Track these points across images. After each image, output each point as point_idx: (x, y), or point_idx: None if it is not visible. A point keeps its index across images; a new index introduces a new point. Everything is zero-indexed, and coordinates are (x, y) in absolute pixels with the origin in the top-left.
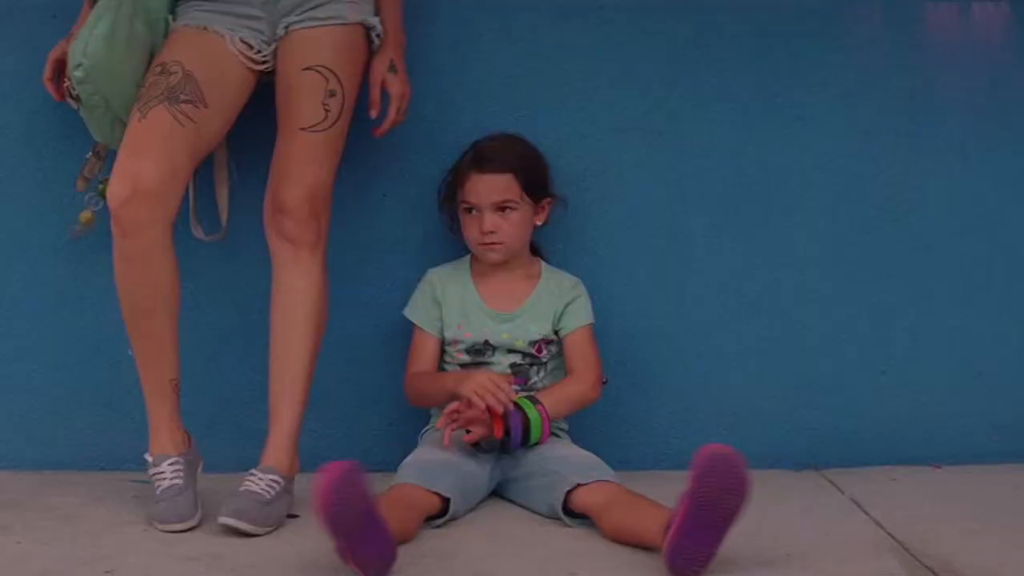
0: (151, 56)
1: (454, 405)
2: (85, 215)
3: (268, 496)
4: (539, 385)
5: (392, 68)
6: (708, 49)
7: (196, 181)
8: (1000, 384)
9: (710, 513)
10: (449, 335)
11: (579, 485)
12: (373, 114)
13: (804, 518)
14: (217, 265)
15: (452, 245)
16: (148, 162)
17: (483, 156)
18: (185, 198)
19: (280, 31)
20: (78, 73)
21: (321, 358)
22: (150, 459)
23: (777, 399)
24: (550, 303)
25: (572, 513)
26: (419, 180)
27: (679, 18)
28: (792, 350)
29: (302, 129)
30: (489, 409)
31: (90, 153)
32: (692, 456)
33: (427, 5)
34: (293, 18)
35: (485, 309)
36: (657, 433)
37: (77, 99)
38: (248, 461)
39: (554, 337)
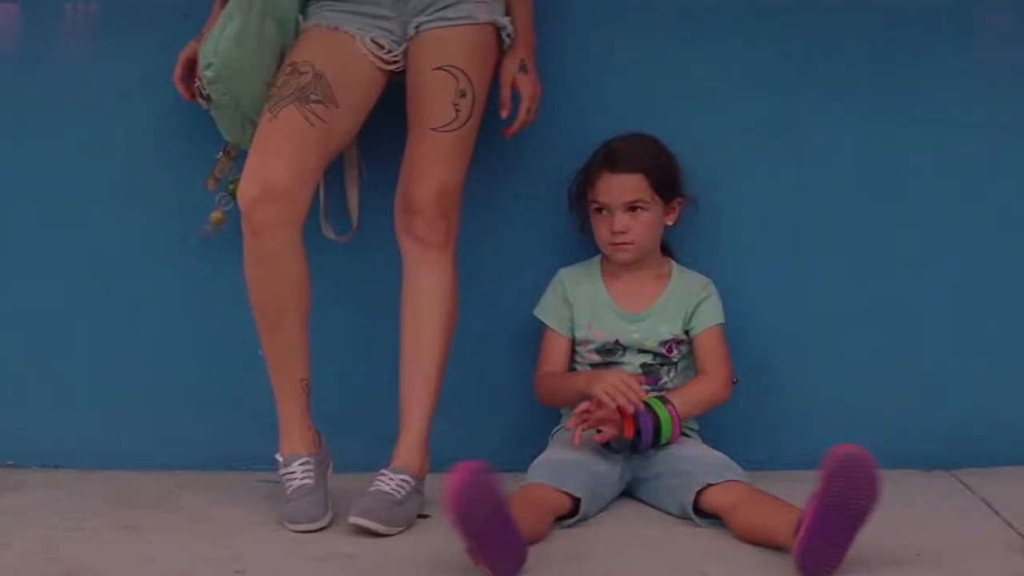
0: (281, 56)
1: (585, 405)
2: (216, 215)
3: (399, 496)
4: (669, 385)
5: (523, 68)
6: (837, 49)
7: (327, 181)
8: None
9: (840, 513)
10: (580, 335)
11: (710, 485)
12: (504, 114)
13: (934, 518)
14: (347, 265)
15: (583, 245)
16: (278, 162)
17: (614, 156)
18: (315, 198)
19: (411, 31)
20: (209, 73)
21: (452, 358)
22: (281, 459)
23: (906, 399)
24: (681, 303)
25: (703, 513)
26: (550, 180)
27: (807, 18)
28: (921, 350)
29: (433, 129)
30: (620, 409)
31: (221, 153)
32: (822, 456)
33: (558, 5)
34: (424, 18)
35: (615, 309)
36: (787, 433)
37: (208, 99)
38: (379, 461)
39: (684, 337)
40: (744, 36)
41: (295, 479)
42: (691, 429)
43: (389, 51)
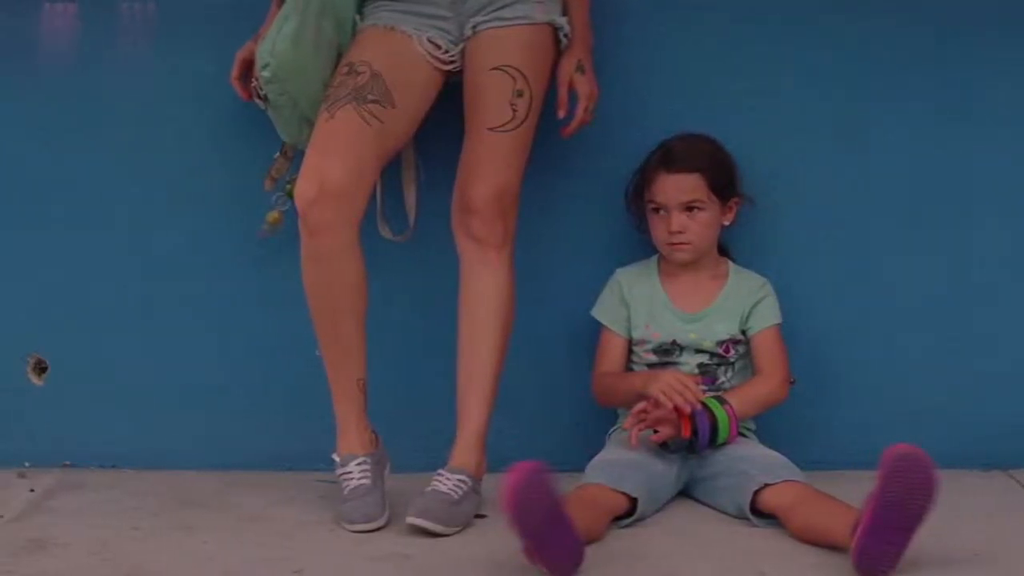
0: (338, 56)
1: (642, 405)
2: (273, 215)
3: (456, 496)
4: (727, 385)
5: (580, 68)
6: (897, 48)
7: (384, 181)
8: None
9: (897, 514)
10: (637, 335)
11: (767, 485)
12: (561, 114)
13: (991, 518)
14: (405, 265)
15: (640, 245)
16: (336, 162)
17: (671, 156)
18: (372, 198)
19: (468, 31)
20: (265, 73)
21: (508, 358)
22: (338, 459)
23: (964, 399)
24: (738, 303)
25: (760, 513)
26: (607, 180)
27: (867, 17)
28: (979, 350)
29: (490, 129)
30: (677, 409)
31: (278, 153)
32: (879, 456)
33: (615, 5)
34: (481, 18)
35: (673, 309)
36: (844, 433)
37: (265, 99)
38: (436, 461)
39: (741, 337)
40: (802, 36)
41: (352, 479)
42: (748, 429)
43: (446, 51)
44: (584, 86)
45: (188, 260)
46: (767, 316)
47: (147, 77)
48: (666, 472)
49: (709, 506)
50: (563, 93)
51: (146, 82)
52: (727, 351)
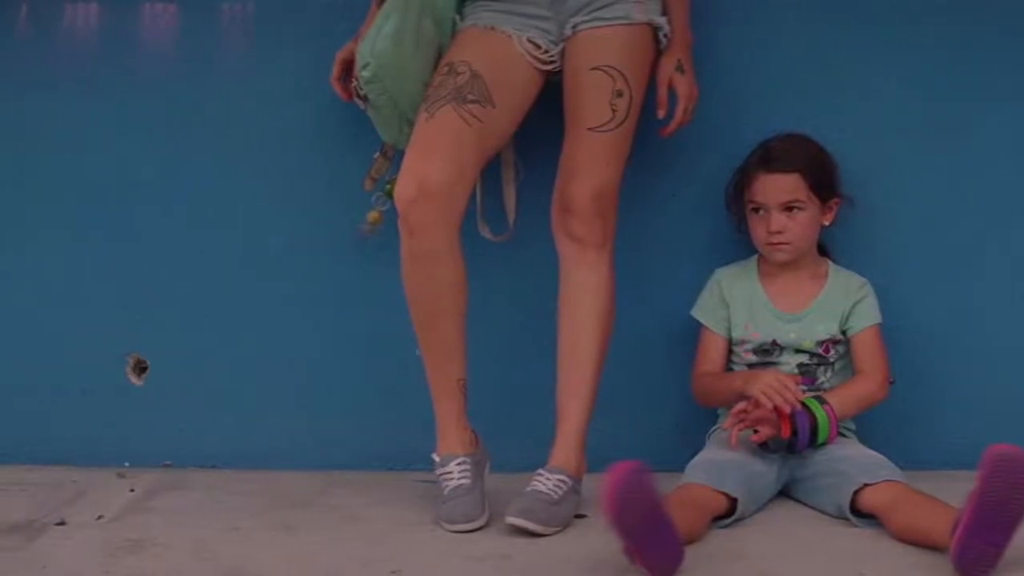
0: (438, 56)
1: (741, 405)
2: (373, 215)
3: (556, 496)
4: (826, 385)
5: (679, 68)
6: (996, 48)
7: (483, 181)
8: None
9: (998, 513)
10: (737, 335)
11: (866, 485)
12: (661, 114)
13: None
14: (504, 264)
15: (740, 245)
16: (435, 162)
17: (771, 156)
18: (472, 198)
19: (567, 31)
20: (365, 73)
21: (608, 357)
22: (437, 459)
23: None
24: (837, 303)
25: (860, 513)
26: (706, 180)
27: (965, 17)
28: None
29: (589, 129)
30: (776, 409)
31: (378, 153)
32: (979, 456)
33: (715, 5)
34: (580, 18)
35: (772, 309)
36: (944, 432)
37: (365, 99)
38: (536, 461)
39: (841, 337)
40: (903, 35)
41: (452, 479)
42: (848, 429)
43: (546, 51)
44: (684, 86)
45: (288, 260)
46: (867, 316)
47: (247, 78)
48: (766, 472)
49: (809, 506)
50: (663, 93)
51: (246, 83)
52: (827, 351)
